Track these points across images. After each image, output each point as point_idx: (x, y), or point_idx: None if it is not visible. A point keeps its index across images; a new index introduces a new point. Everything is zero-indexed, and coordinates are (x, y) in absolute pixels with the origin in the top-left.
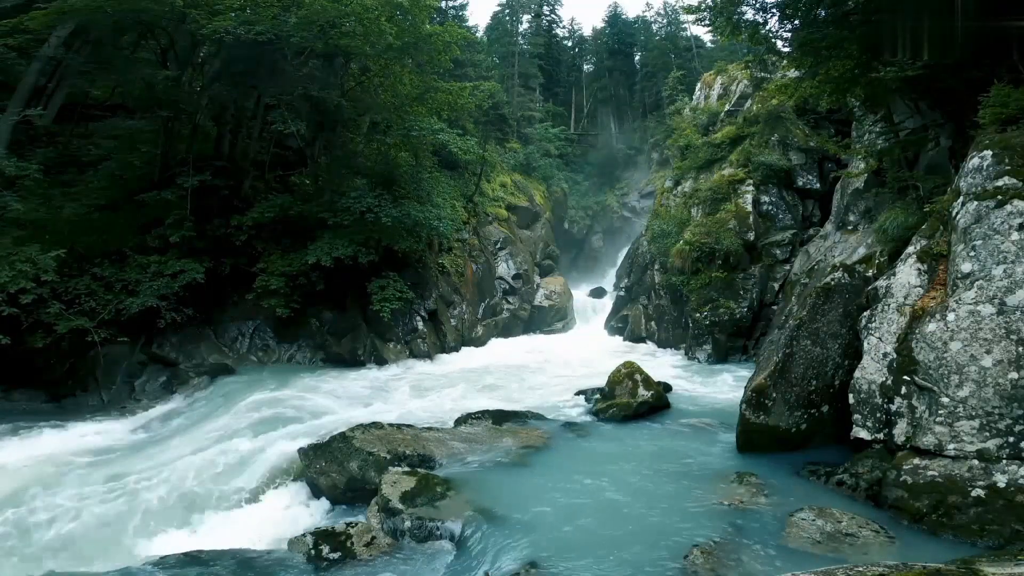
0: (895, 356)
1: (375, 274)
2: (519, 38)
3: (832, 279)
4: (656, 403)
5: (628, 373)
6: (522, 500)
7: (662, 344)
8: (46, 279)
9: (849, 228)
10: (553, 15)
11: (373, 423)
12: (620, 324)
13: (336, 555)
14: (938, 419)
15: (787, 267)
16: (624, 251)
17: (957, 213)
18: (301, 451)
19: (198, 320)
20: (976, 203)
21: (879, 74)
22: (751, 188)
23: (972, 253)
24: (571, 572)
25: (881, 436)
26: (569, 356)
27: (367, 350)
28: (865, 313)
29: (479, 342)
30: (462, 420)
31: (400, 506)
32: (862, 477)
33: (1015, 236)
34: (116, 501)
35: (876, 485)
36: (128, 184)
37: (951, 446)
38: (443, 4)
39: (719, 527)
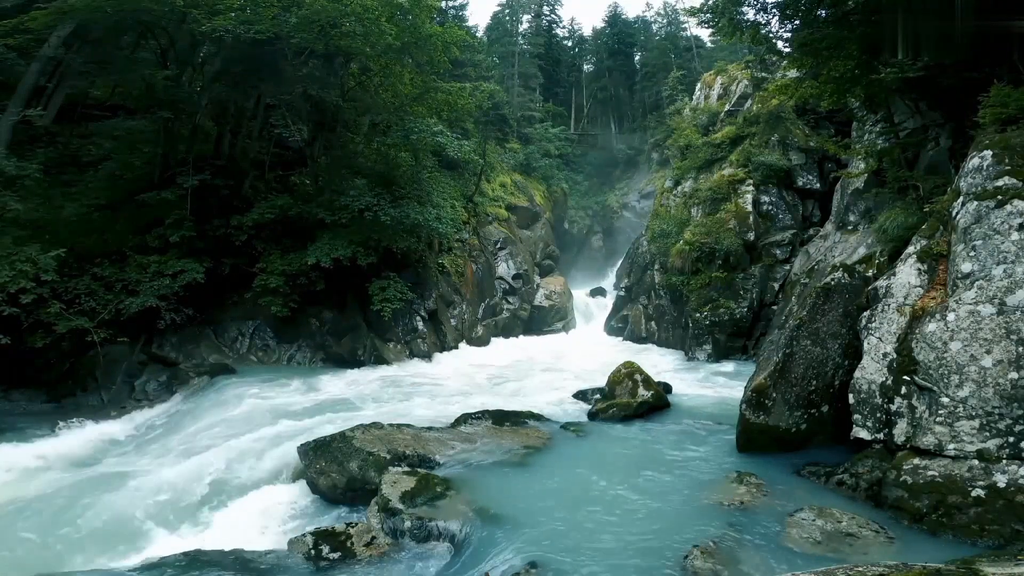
0: (895, 356)
1: (375, 274)
2: (519, 38)
3: (832, 279)
4: (656, 403)
5: (628, 373)
6: (522, 500)
7: (662, 344)
8: (46, 279)
9: (849, 228)
10: (553, 15)
11: (373, 423)
12: (620, 324)
13: (336, 555)
14: (938, 419)
15: (787, 267)
16: (624, 251)
17: (957, 213)
18: (301, 451)
19: (198, 320)
20: (976, 203)
21: (879, 74)
22: (751, 188)
23: (972, 253)
24: (571, 572)
25: (881, 436)
26: (569, 356)
27: (367, 350)
28: (865, 313)
29: (479, 342)
30: (462, 420)
31: (400, 506)
32: (862, 477)
33: (1015, 236)
34: (116, 501)
35: (876, 485)
36: (128, 184)
37: (951, 446)
38: (443, 4)
39: (719, 527)
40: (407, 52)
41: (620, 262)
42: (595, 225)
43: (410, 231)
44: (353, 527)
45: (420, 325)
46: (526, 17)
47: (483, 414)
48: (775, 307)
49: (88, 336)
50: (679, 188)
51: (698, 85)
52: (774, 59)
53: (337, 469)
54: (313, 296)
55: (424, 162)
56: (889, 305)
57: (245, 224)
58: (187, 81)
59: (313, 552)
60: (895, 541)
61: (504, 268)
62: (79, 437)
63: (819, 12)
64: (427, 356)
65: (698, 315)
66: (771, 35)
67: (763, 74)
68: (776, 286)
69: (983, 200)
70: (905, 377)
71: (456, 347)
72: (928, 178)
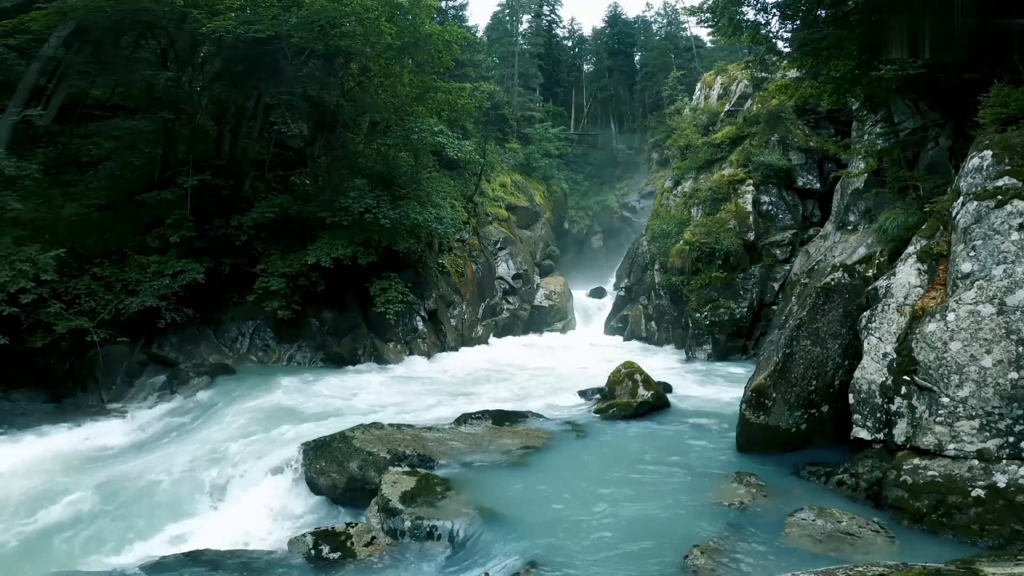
0: (895, 356)
1: (375, 274)
2: (519, 38)
3: (832, 279)
4: (656, 403)
5: (628, 373)
6: (522, 500)
7: (662, 344)
8: (46, 279)
9: (849, 228)
10: (553, 15)
11: (373, 423)
12: (620, 324)
13: (336, 555)
14: (938, 419)
15: (787, 267)
16: (624, 251)
17: (957, 213)
18: (301, 451)
19: (198, 320)
20: (976, 203)
21: (879, 74)
22: (751, 188)
23: (972, 253)
24: (571, 572)
25: (881, 436)
26: (569, 356)
27: (367, 350)
28: (865, 313)
29: (479, 342)
30: (462, 420)
31: (400, 506)
32: (862, 477)
33: (1015, 236)
34: (116, 501)
35: (876, 485)
36: (128, 184)
37: (951, 446)
38: (443, 4)
39: (719, 527)
40: (407, 52)
41: (620, 262)
42: (595, 225)
43: (410, 232)
44: (353, 527)
45: (420, 325)
46: (526, 17)
47: (483, 414)
48: (775, 307)
49: (88, 336)
50: (679, 188)
51: (698, 85)
52: (774, 59)
53: (337, 469)
54: (313, 296)
55: (424, 162)
56: (889, 305)
57: (245, 224)
58: (187, 81)
59: (313, 552)
60: (895, 541)
61: (504, 268)
62: (79, 437)
63: (819, 12)
64: (427, 356)
65: (698, 315)
66: (771, 35)
67: (763, 74)
68: (776, 286)
69: (983, 200)
70: (905, 377)
71: (456, 347)
72: (928, 178)
